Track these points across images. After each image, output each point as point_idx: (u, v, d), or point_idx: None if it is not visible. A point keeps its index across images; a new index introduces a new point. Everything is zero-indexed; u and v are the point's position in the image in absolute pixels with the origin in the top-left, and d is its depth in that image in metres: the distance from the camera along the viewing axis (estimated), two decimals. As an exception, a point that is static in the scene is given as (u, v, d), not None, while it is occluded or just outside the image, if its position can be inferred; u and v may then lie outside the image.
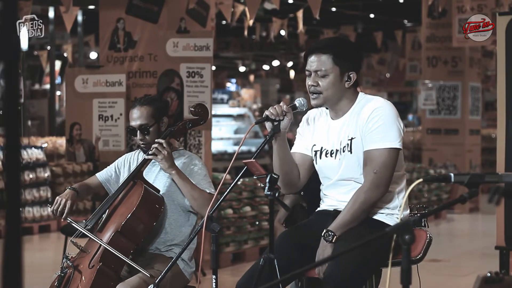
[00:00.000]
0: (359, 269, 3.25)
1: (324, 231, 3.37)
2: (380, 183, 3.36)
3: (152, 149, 3.86)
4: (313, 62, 3.47)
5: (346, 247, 3.20)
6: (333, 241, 3.34)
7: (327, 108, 3.59)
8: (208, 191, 3.89)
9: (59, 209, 3.86)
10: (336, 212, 3.46)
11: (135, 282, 3.72)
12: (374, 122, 3.39)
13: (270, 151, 3.76)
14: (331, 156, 3.50)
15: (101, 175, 4.17)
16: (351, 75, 3.47)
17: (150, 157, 3.89)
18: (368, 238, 2.84)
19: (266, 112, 3.45)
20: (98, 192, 4.21)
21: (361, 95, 3.54)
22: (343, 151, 3.46)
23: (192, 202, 3.87)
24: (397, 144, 3.39)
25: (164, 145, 3.86)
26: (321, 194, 3.63)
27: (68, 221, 3.91)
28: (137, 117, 3.98)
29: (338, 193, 3.51)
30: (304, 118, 3.70)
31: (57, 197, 3.92)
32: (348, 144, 3.45)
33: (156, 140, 3.89)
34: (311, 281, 3.59)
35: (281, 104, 3.47)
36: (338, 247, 3.31)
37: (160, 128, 4.00)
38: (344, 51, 3.49)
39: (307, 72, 3.52)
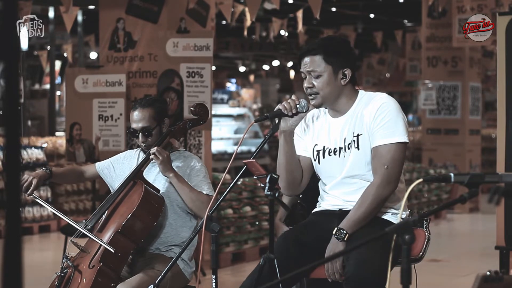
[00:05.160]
0: (382, 269, 3.21)
1: (335, 229, 3.32)
2: (391, 178, 3.35)
3: (151, 154, 3.86)
4: (306, 64, 3.47)
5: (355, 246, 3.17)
6: (345, 239, 3.31)
7: (326, 108, 3.58)
8: (205, 193, 3.88)
9: (24, 185, 3.94)
10: (342, 212, 3.43)
11: (135, 282, 3.71)
12: (381, 118, 3.38)
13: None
14: (334, 154, 3.48)
15: (99, 165, 4.22)
16: (346, 72, 3.46)
17: (151, 157, 3.88)
18: (368, 238, 2.83)
19: (279, 106, 3.43)
20: (90, 179, 4.28)
21: (361, 92, 3.53)
22: (349, 148, 3.43)
23: (190, 204, 3.87)
24: (405, 138, 3.39)
25: (160, 149, 3.85)
26: (323, 194, 3.58)
27: (32, 196, 4.01)
28: (138, 119, 3.95)
29: (344, 193, 3.47)
30: (302, 119, 3.68)
31: (25, 174, 3.99)
32: (354, 141, 3.42)
33: (151, 150, 3.87)
34: (314, 282, 3.57)
35: (293, 98, 3.45)
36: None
37: (161, 129, 3.99)
38: (335, 49, 3.47)
39: (302, 75, 3.52)
